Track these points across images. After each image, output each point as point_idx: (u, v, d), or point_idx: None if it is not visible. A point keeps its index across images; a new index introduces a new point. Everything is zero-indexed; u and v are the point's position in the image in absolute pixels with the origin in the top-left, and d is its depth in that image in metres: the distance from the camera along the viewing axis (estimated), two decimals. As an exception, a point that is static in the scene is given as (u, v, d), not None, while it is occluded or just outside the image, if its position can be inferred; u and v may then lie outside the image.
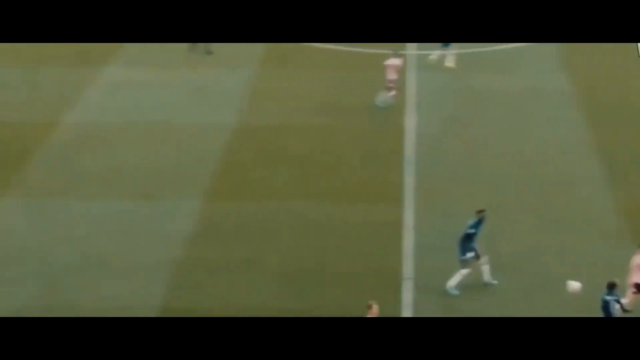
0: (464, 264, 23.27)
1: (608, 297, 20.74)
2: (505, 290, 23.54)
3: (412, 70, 38.05)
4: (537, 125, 33.22)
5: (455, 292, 23.15)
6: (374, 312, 19.91)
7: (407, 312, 22.84)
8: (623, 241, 25.74)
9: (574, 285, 21.59)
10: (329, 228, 26.70)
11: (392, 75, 33.12)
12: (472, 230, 23.26)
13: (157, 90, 36.65)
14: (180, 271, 24.71)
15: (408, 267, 24.72)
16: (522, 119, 33.77)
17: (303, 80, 37.50)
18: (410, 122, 33.53)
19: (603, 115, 33.82)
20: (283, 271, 24.66)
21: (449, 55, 37.45)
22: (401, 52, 33.22)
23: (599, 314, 22.18)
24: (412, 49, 39.95)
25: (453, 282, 23.20)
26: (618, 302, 20.79)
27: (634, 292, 22.13)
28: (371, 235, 26.31)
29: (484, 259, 23.51)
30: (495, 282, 23.63)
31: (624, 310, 20.94)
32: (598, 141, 31.84)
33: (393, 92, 33.46)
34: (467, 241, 23.30)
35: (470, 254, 23.27)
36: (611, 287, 20.84)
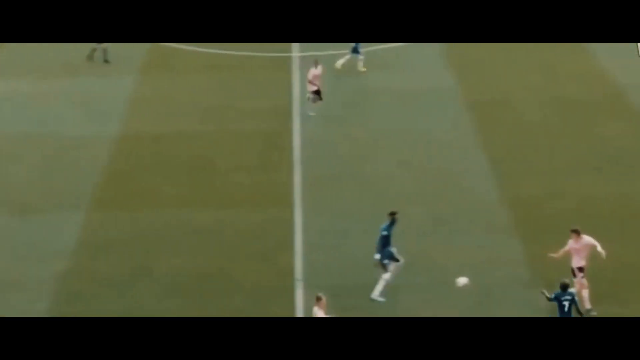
0: (383, 268, 23.11)
1: (563, 298, 20.86)
2: (398, 289, 23.40)
3: (296, 72, 37.94)
4: (423, 122, 33.44)
5: (382, 299, 22.91)
6: (323, 303, 20.21)
7: (300, 312, 22.64)
8: (510, 233, 26.06)
9: (462, 280, 21.90)
10: (220, 233, 26.28)
11: (314, 86, 32.97)
12: (386, 233, 23.09)
13: (36, 100, 35.62)
14: (68, 285, 23.94)
15: (299, 268, 24.50)
16: (408, 116, 33.96)
17: (186, 85, 37.00)
18: (297, 123, 33.35)
19: (485, 111, 34.27)
20: (176, 279, 24.13)
21: (346, 58, 37.44)
22: (318, 60, 33.28)
23: (490, 309, 22.40)
24: (296, 51, 39.92)
25: (377, 290, 23.00)
26: (573, 302, 20.92)
27: (583, 276, 22.39)
28: (263, 237, 26.02)
29: (401, 262, 23.34)
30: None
31: (579, 311, 21.10)
32: (482, 136, 32.20)
33: (311, 99, 33.10)
34: (383, 244, 23.08)
35: (377, 256, 23.09)
36: (564, 288, 20.99)
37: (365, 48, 38.09)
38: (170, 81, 37.39)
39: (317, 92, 33.09)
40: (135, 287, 23.79)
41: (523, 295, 23.24)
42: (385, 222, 23.26)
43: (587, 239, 22.52)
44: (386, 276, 22.98)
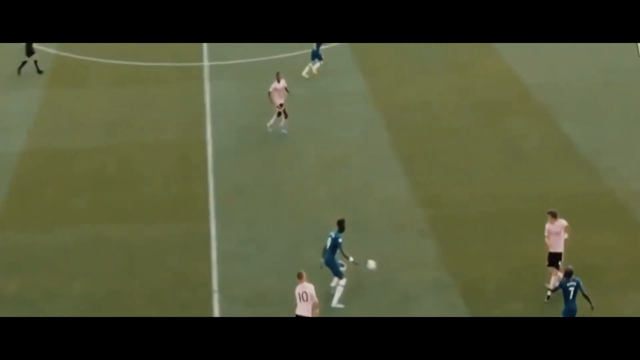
0: (339, 275, 23.01)
1: (568, 284, 20.87)
2: (319, 294, 23.19)
3: (207, 81, 37.59)
4: (336, 126, 33.36)
5: (341, 305, 22.83)
6: (304, 278, 21.04)
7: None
8: (425, 234, 26.13)
9: (371, 263, 22.99)
10: (134, 247, 25.78)
11: (279, 100, 32.51)
12: (340, 240, 22.99)
13: None
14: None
15: (216, 279, 24.19)
16: (321, 121, 33.85)
17: (95, 98, 36.28)
18: (209, 133, 32.98)
19: (398, 113, 34.34)
20: (89, 297, 23.57)
21: (316, 66, 37.30)
22: (280, 73, 32.67)
23: (410, 310, 22.35)
24: (206, 60, 39.57)
25: (335, 298, 22.92)
26: (579, 287, 20.90)
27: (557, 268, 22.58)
28: (178, 250, 25.61)
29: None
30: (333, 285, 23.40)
31: (586, 296, 20.99)
32: (395, 138, 32.24)
33: (283, 117, 32.61)
34: (333, 252, 22.94)
35: (322, 260, 23.03)
36: (569, 275, 20.97)
37: (281, 54, 37.95)
38: (78, 94, 36.63)
39: (280, 108, 32.57)
40: (47, 307, 23.14)
41: (441, 295, 23.30)
42: (334, 230, 23.12)
43: (562, 221, 22.65)
44: (342, 282, 22.99)
